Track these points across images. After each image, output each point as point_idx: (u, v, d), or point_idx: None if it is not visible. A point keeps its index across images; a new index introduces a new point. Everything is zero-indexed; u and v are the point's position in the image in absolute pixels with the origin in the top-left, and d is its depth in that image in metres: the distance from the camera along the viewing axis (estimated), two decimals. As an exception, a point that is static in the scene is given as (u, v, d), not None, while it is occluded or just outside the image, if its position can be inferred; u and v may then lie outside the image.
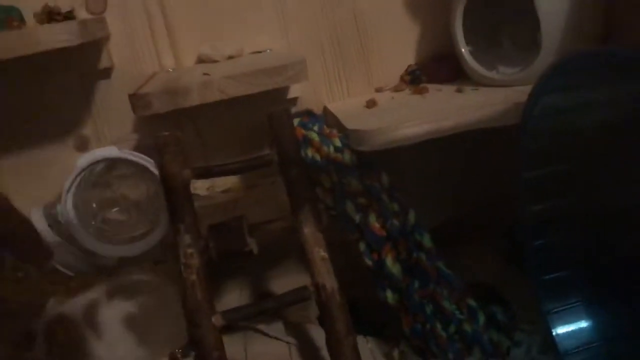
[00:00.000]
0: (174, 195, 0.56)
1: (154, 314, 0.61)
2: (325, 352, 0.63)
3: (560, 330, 0.53)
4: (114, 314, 0.60)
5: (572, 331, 0.53)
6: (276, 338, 0.65)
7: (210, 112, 0.72)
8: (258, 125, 0.71)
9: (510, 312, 0.64)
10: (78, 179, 0.60)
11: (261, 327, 0.67)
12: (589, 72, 0.48)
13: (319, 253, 0.54)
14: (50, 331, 0.59)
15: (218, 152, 0.73)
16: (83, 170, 0.60)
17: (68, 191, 0.60)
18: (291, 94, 0.73)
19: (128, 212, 0.66)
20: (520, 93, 0.57)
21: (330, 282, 0.53)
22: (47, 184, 0.72)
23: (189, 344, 0.58)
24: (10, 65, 0.56)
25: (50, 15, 0.65)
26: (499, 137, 0.57)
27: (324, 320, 0.54)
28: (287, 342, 0.64)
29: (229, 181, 0.75)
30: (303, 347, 0.64)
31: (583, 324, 0.53)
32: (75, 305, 0.60)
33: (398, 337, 0.66)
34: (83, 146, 0.73)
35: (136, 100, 0.56)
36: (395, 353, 0.64)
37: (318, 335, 0.67)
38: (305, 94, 0.74)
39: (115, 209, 0.69)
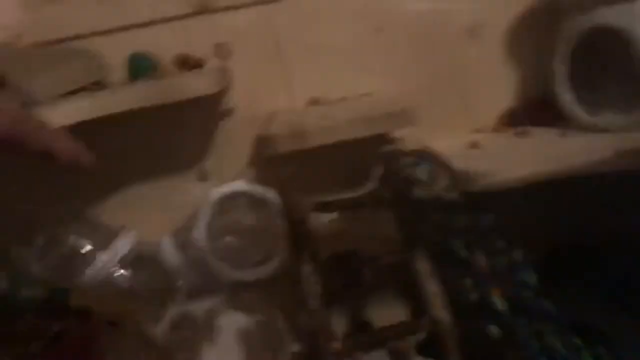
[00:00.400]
0: (296, 226, 0.61)
1: (262, 332, 0.65)
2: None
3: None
4: (229, 322, 0.63)
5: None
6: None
7: (320, 152, 0.77)
8: (364, 163, 0.76)
9: (614, 353, 0.65)
10: (209, 210, 0.66)
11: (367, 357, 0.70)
12: None
13: (432, 288, 0.57)
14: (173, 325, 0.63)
15: (321, 188, 0.78)
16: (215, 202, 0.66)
17: (202, 219, 0.66)
18: (395, 134, 0.78)
19: (242, 239, 0.72)
20: (625, 139, 0.59)
21: (444, 316, 0.56)
22: (171, 210, 0.79)
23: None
24: (151, 109, 0.63)
25: (183, 62, 0.73)
26: (602, 180, 0.60)
27: (437, 353, 0.57)
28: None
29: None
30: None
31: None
32: (198, 306, 0.64)
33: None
34: (203, 178, 0.80)
35: (262, 141, 0.62)
36: (498, 386, 0.66)
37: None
38: (408, 133, 0.78)
39: (229, 237, 0.75)
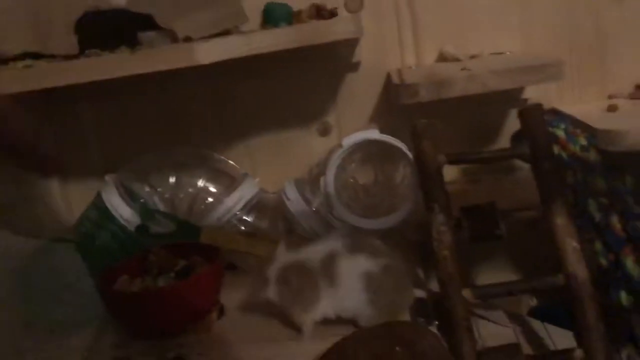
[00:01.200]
0: (429, 177, 0.61)
1: (386, 279, 0.65)
2: (547, 341, 0.66)
3: None
4: (351, 267, 0.63)
5: None
6: (500, 324, 0.68)
7: (446, 108, 0.77)
8: (490, 122, 0.75)
9: None
10: (342, 155, 0.68)
11: (484, 313, 0.70)
12: None
13: (571, 244, 0.56)
14: (284, 276, 0.65)
15: (450, 145, 0.78)
16: (347, 149, 0.68)
17: (333, 166, 0.68)
18: (524, 95, 0.76)
19: (370, 189, 0.73)
20: None
21: (581, 272, 0.55)
22: (292, 161, 0.81)
23: (431, 313, 0.62)
24: (278, 56, 0.64)
25: (317, 12, 0.74)
26: None
27: (574, 308, 0.56)
28: (512, 328, 0.67)
29: (449, 174, 0.79)
30: (526, 334, 0.66)
31: None
32: (314, 252, 0.64)
33: (622, 340, 0.66)
34: (325, 132, 0.81)
35: (404, 89, 0.62)
36: (624, 354, 0.65)
37: (537, 326, 0.69)
38: (537, 96, 0.77)
39: (357, 185, 0.76)
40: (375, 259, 0.62)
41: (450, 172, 0.80)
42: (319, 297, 0.62)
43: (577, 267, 0.55)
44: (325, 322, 0.61)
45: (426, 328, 0.52)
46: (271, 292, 0.62)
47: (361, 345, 0.47)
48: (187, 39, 0.61)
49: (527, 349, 0.65)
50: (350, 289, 0.62)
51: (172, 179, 0.76)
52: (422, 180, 0.62)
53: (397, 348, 0.47)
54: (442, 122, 0.70)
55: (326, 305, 0.61)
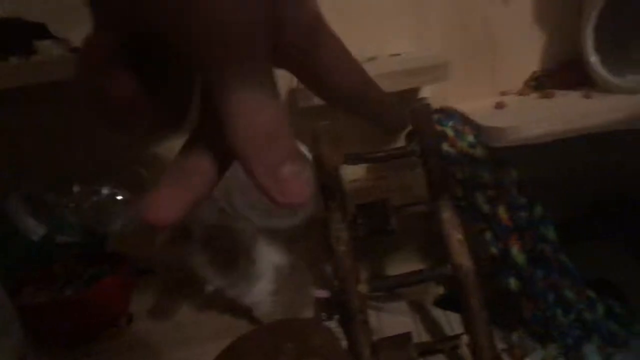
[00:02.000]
0: (327, 176, 0.63)
1: (291, 275, 0.67)
2: (446, 329, 0.69)
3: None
4: (266, 255, 0.64)
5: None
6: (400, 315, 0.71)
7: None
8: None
9: (627, 307, 0.68)
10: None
11: (384, 305, 0.73)
12: None
13: (456, 236, 0.60)
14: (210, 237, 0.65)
15: (355, 144, 0.81)
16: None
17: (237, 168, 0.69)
18: (421, 94, 0.80)
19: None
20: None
21: (466, 262, 0.59)
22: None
23: (332, 309, 0.65)
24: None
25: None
26: (625, 140, 0.62)
27: (460, 297, 0.59)
28: (412, 317, 0.71)
29: (357, 172, 0.82)
30: (426, 323, 0.70)
31: None
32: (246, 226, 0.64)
33: (515, 324, 0.70)
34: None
35: (300, 93, 0.64)
36: (514, 337, 0.69)
37: (438, 315, 0.73)
38: (432, 95, 0.80)
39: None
40: (284, 254, 0.64)
41: (358, 170, 0.83)
42: (233, 272, 0.63)
43: (462, 258, 0.59)
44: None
45: (320, 323, 0.54)
46: (192, 249, 0.62)
47: (253, 342, 0.49)
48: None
49: (425, 337, 0.68)
50: (260, 276, 0.64)
51: (76, 188, 0.75)
52: (320, 180, 0.64)
53: (288, 344, 0.48)
54: (341, 123, 0.73)
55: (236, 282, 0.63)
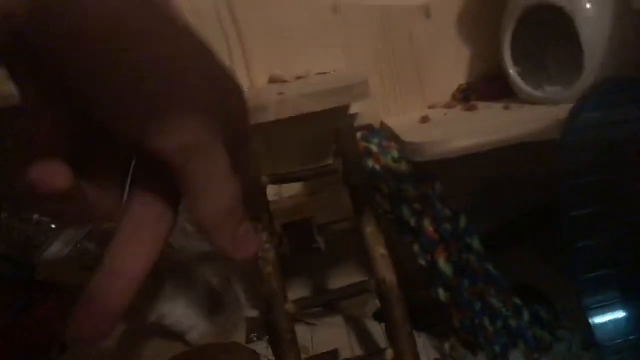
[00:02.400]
0: (253, 198, 0.64)
1: (224, 296, 0.67)
2: (381, 342, 0.70)
3: (600, 325, 0.59)
4: (199, 276, 0.64)
5: (611, 326, 0.58)
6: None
7: (278, 127, 0.80)
8: (320, 139, 0.79)
9: (552, 311, 0.70)
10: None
11: (323, 320, 0.74)
12: (626, 94, 0.54)
13: (380, 251, 0.61)
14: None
15: (284, 163, 0.81)
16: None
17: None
18: (352, 110, 0.81)
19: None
20: (564, 110, 0.63)
21: (389, 276, 0.60)
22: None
23: (263, 329, 0.65)
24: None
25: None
26: (544, 150, 0.64)
27: (384, 311, 0.60)
28: (347, 333, 0.72)
29: (294, 188, 0.83)
30: (361, 337, 0.71)
31: (621, 318, 0.58)
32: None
33: (448, 333, 0.72)
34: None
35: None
36: (446, 346, 0.70)
37: (374, 328, 0.74)
38: (364, 110, 0.82)
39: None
40: (219, 275, 0.65)
41: (295, 187, 0.84)
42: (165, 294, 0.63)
43: (386, 272, 0.60)
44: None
45: (242, 346, 0.54)
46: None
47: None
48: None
49: (359, 351, 0.69)
50: (192, 298, 0.64)
51: (4, 215, 0.74)
52: (247, 201, 0.64)
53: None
54: (272, 144, 0.74)
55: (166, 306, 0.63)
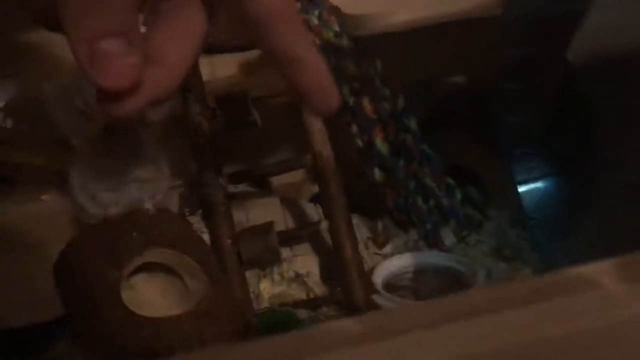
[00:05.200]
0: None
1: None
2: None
3: (528, 199, 0.61)
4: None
5: (539, 200, 0.61)
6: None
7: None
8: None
9: (484, 192, 0.71)
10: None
11: (259, 200, 0.73)
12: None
13: (317, 125, 0.60)
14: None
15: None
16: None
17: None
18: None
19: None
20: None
21: (326, 151, 0.59)
22: (53, 64, 0.75)
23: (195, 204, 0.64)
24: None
25: None
26: (483, 27, 0.63)
27: (320, 186, 0.60)
28: (283, 212, 0.71)
29: (230, 68, 0.79)
30: (297, 216, 0.71)
31: (549, 191, 0.61)
32: None
33: (381, 214, 0.73)
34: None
35: None
36: (379, 225, 0.72)
37: (310, 209, 0.74)
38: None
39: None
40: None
41: (230, 66, 0.80)
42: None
43: (323, 147, 0.59)
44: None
45: (172, 213, 0.53)
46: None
47: (95, 235, 0.47)
48: None
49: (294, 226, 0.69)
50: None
51: None
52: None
53: (134, 234, 0.47)
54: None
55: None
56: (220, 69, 0.79)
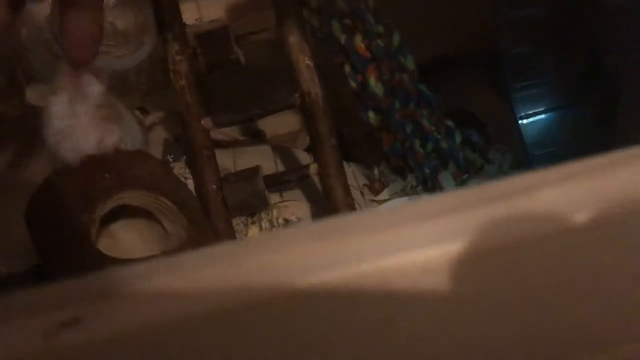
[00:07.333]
0: (162, 8, 0.57)
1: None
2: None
3: (530, 135, 0.57)
4: None
5: (541, 136, 0.57)
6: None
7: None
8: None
9: (485, 135, 0.68)
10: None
11: (249, 148, 0.70)
12: None
13: (304, 61, 0.56)
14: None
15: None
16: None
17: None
18: None
19: (115, 39, 0.67)
20: None
21: (314, 89, 0.56)
22: None
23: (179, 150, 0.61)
24: None
25: None
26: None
27: (308, 126, 0.57)
28: (274, 160, 0.68)
29: (216, 11, 0.75)
30: (289, 163, 0.68)
31: (551, 127, 0.57)
32: None
33: (378, 160, 0.70)
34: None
35: None
36: (375, 172, 0.68)
37: (304, 159, 0.70)
38: None
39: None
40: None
41: (217, 11, 0.76)
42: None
43: (311, 85, 0.55)
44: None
45: (148, 154, 0.50)
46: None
47: (69, 175, 0.44)
48: None
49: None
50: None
51: None
52: (156, 12, 0.57)
53: (106, 175, 0.44)
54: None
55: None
56: (206, 11, 0.75)
